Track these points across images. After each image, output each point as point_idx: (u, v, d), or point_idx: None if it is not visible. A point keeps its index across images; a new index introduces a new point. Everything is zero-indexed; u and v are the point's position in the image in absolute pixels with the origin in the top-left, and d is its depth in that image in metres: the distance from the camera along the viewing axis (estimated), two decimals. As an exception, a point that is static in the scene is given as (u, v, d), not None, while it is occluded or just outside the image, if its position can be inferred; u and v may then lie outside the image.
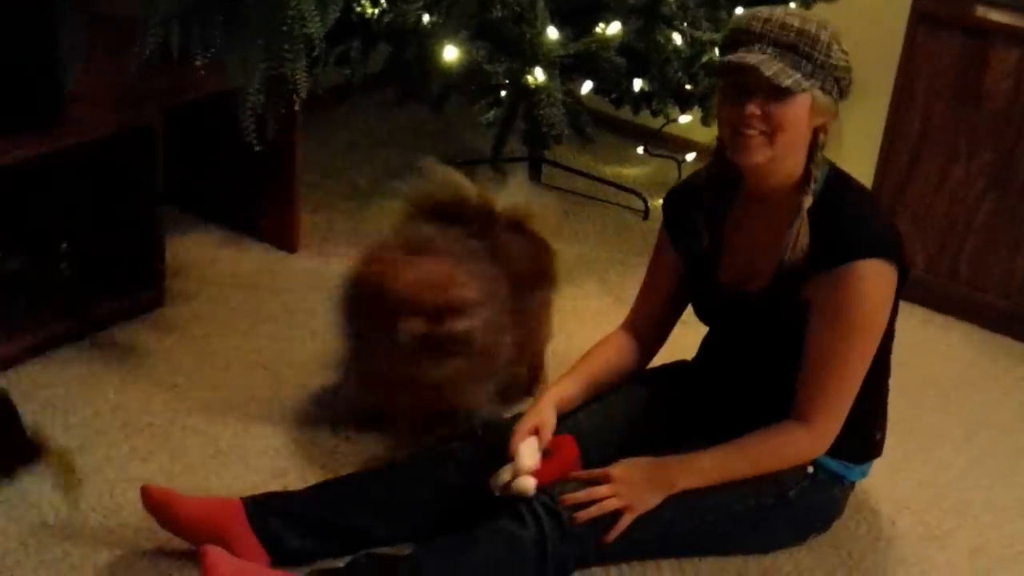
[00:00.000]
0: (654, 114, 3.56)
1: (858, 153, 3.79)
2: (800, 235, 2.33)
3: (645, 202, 4.01)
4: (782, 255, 2.37)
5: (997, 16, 3.32)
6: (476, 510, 2.43)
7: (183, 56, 2.78)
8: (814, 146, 2.34)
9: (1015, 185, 3.34)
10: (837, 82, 2.31)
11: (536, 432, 2.45)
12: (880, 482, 2.77)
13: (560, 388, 2.57)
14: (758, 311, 2.45)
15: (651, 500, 2.39)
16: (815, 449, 2.44)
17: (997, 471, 2.93)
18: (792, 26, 2.27)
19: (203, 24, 2.79)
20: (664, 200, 2.68)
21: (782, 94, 2.26)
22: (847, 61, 2.31)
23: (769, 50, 2.27)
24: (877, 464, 2.64)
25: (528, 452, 2.41)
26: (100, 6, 2.84)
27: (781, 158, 2.34)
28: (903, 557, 2.63)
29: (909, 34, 3.41)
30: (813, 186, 2.35)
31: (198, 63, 2.77)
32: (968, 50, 3.33)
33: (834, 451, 2.49)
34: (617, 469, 2.40)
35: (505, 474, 2.40)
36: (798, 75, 2.26)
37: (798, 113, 2.29)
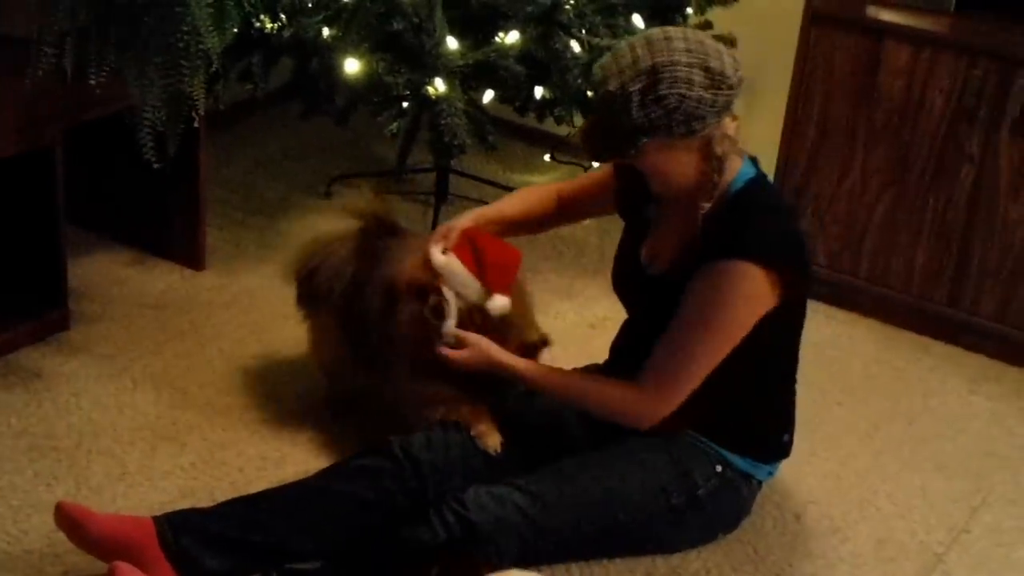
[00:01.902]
0: (557, 121, 3.58)
1: (759, 153, 3.84)
2: (688, 242, 2.44)
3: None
4: (682, 249, 2.45)
5: (888, 16, 3.39)
6: (390, 523, 2.44)
7: (79, 75, 2.76)
8: (708, 157, 2.37)
9: (911, 181, 3.41)
10: (670, 118, 2.30)
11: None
12: (786, 477, 2.82)
13: (488, 209, 2.71)
14: (658, 292, 2.51)
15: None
16: (640, 414, 2.46)
17: (901, 462, 2.99)
18: (607, 87, 2.32)
19: (98, 42, 2.77)
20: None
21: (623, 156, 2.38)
22: (674, 97, 2.28)
23: (598, 115, 2.39)
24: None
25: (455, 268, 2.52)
26: (-3, 27, 2.82)
27: (668, 184, 2.43)
28: (809, 550, 2.67)
29: (804, 35, 3.46)
30: (716, 192, 2.40)
31: (93, 82, 2.74)
32: (862, 50, 3.39)
33: (744, 449, 2.53)
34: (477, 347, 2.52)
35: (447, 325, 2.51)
36: (608, 143, 2.37)
37: (650, 160, 2.37)
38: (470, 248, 2.56)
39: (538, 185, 2.83)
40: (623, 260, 2.68)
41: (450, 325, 2.52)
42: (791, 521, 2.74)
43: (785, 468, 2.74)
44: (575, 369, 2.67)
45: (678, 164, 2.38)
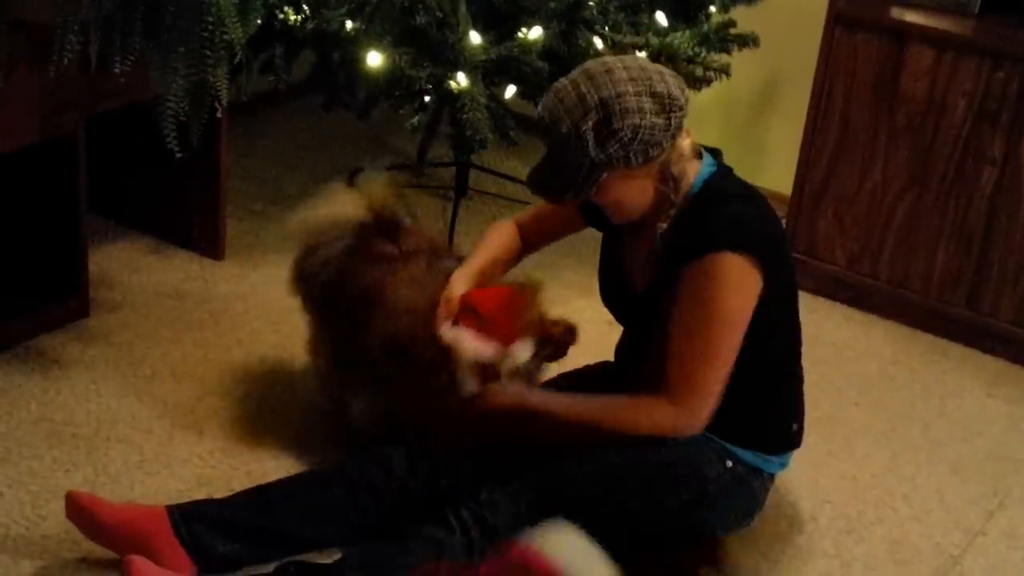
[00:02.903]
0: (578, 117, 3.58)
1: (781, 153, 3.85)
2: (656, 257, 2.43)
3: (572, 205, 4.03)
4: (652, 262, 2.46)
5: (912, 17, 3.38)
6: (405, 515, 2.45)
7: (103, 63, 2.77)
8: (665, 179, 2.37)
9: (932, 183, 3.40)
10: (627, 149, 2.29)
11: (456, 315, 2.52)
12: (802, 477, 2.82)
13: (468, 265, 2.63)
14: (642, 308, 2.52)
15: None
16: (678, 425, 2.42)
17: (918, 464, 2.99)
18: (560, 129, 2.30)
19: (123, 31, 2.78)
20: None
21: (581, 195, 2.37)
22: (628, 128, 2.27)
23: (549, 158, 2.39)
24: (799, 459, 2.67)
25: (465, 340, 2.47)
26: (19, 13, 2.82)
27: (626, 213, 2.42)
28: (824, 550, 2.67)
29: (827, 36, 3.46)
30: (673, 208, 2.39)
31: (117, 71, 2.75)
32: (885, 51, 3.39)
33: (750, 442, 2.52)
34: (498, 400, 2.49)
35: (468, 382, 2.47)
36: (564, 182, 2.35)
37: (610, 194, 2.37)
38: (472, 315, 2.52)
39: (496, 225, 2.78)
40: (606, 276, 2.66)
41: (470, 388, 2.50)
42: (807, 521, 2.74)
43: (801, 468, 2.74)
44: (596, 397, 2.54)
45: (637, 192, 2.38)
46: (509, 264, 2.76)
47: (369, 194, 2.85)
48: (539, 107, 2.39)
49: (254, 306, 3.34)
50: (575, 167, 2.32)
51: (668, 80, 2.31)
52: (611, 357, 2.79)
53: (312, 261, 2.79)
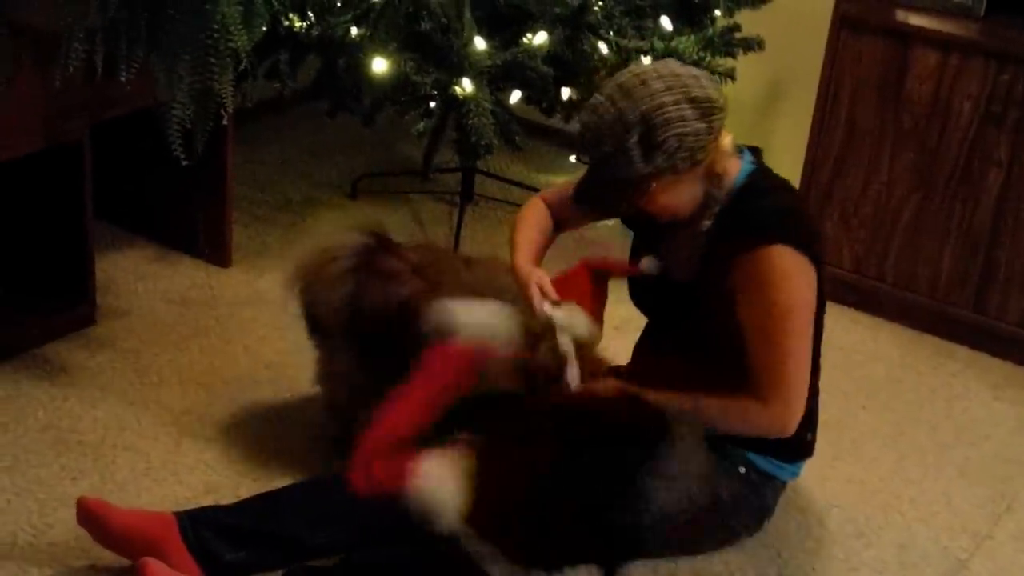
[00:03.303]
0: (583, 123, 3.58)
1: (786, 156, 3.84)
2: (701, 250, 2.44)
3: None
4: (697, 254, 2.45)
5: (916, 19, 3.38)
6: (411, 519, 2.45)
7: (108, 71, 2.77)
8: (710, 178, 2.38)
9: (938, 186, 3.40)
10: (674, 159, 2.29)
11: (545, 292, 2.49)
12: (810, 480, 2.81)
13: (525, 249, 2.61)
14: (679, 299, 2.51)
15: None
16: (774, 424, 2.42)
17: (925, 468, 2.98)
18: (602, 147, 2.30)
19: (128, 38, 2.78)
20: None
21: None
22: (673, 139, 2.27)
23: (593, 170, 2.38)
24: (807, 462, 2.67)
25: (570, 316, 2.45)
26: (24, 19, 2.82)
27: (674, 213, 2.43)
28: (832, 554, 2.66)
29: (832, 38, 3.46)
30: (715, 207, 2.41)
31: (123, 78, 2.76)
32: (890, 53, 3.39)
33: (765, 449, 2.52)
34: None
35: (572, 374, 2.43)
36: (614, 196, 2.38)
37: (658, 200, 2.37)
38: (576, 289, 2.54)
39: (531, 208, 2.73)
40: (641, 278, 2.65)
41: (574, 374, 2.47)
42: (815, 525, 2.74)
43: (809, 472, 2.73)
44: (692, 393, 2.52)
45: (685, 195, 2.39)
46: (547, 248, 2.75)
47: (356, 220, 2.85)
48: (579, 125, 2.38)
49: (261, 313, 3.34)
50: (624, 182, 2.33)
51: (704, 83, 2.32)
52: (616, 363, 2.79)
53: (320, 289, 2.73)
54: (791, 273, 2.34)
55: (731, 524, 2.59)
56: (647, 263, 2.54)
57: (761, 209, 2.39)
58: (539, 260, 2.66)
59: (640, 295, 2.67)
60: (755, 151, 2.51)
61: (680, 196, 2.39)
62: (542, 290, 2.49)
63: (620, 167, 2.31)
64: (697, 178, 2.37)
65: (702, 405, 2.45)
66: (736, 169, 2.44)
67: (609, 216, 2.58)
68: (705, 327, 2.44)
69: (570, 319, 2.45)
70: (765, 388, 2.40)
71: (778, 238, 2.33)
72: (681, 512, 2.47)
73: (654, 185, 2.33)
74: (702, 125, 2.29)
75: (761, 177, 2.46)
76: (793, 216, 2.42)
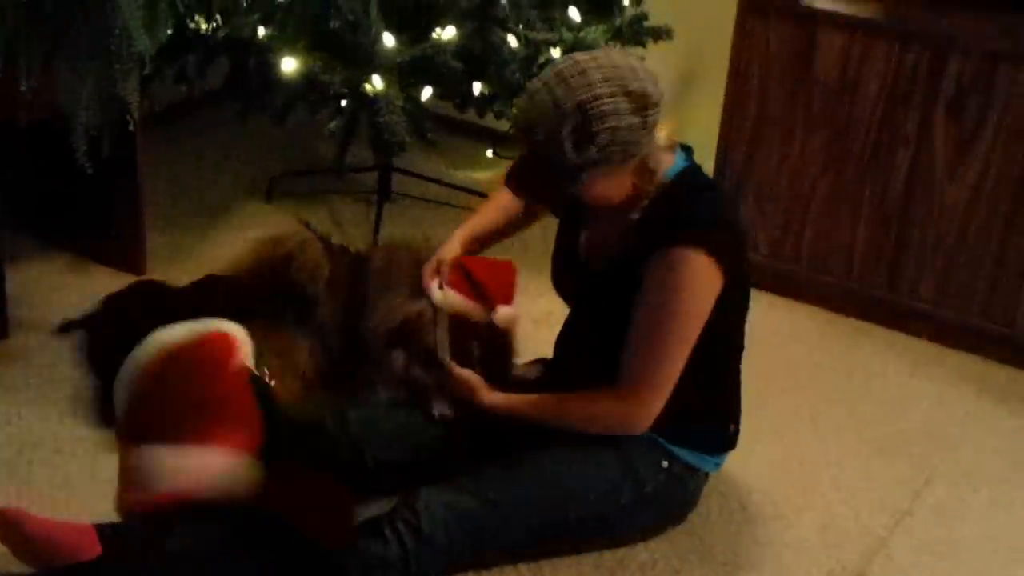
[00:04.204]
0: (497, 116, 3.58)
1: (701, 144, 3.85)
2: (628, 240, 2.45)
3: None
4: (619, 244, 2.47)
5: (821, 3, 3.40)
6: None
7: (9, 78, 2.73)
8: (643, 172, 2.38)
9: (849, 166, 3.44)
10: (606, 151, 2.28)
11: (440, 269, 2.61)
12: (731, 465, 2.82)
13: (468, 229, 2.71)
14: (599, 287, 2.53)
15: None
16: (629, 420, 2.46)
17: (844, 447, 3.01)
18: (535, 136, 2.29)
19: (28, 45, 2.74)
20: None
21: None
22: (606, 132, 2.26)
23: (526, 157, 2.38)
24: (729, 450, 2.69)
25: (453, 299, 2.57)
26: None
27: (604, 203, 2.42)
28: (755, 538, 2.68)
29: (739, 23, 3.48)
30: (644, 201, 2.41)
31: (24, 86, 2.71)
32: (797, 36, 3.41)
33: (689, 442, 2.54)
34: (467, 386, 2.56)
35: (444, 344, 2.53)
36: (546, 188, 2.40)
37: (591, 191, 2.37)
38: (463, 275, 2.60)
39: (500, 189, 2.80)
40: (561, 256, 2.68)
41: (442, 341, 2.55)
42: (736, 510, 2.76)
43: (730, 457, 2.75)
44: (554, 395, 2.58)
45: (617, 186, 2.38)
46: (508, 233, 2.79)
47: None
48: (514, 110, 2.40)
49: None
50: (556, 170, 2.32)
51: (642, 76, 2.29)
52: (539, 355, 2.80)
53: (310, 266, 2.75)
54: (694, 280, 2.35)
55: (658, 517, 2.62)
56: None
57: (688, 209, 2.39)
58: (486, 240, 2.74)
59: (560, 282, 2.68)
60: (687, 149, 2.52)
61: (612, 188, 2.38)
62: (438, 270, 2.58)
63: (552, 156, 2.29)
64: (628, 172, 2.36)
65: (565, 406, 2.50)
66: (669, 163, 2.44)
67: (541, 202, 2.58)
68: (618, 316, 2.46)
69: (448, 302, 2.56)
70: (629, 383, 2.43)
71: (695, 242, 2.34)
72: (606, 506, 2.49)
73: (585, 176, 2.32)
74: (636, 120, 2.27)
75: (693, 176, 2.47)
76: (719, 223, 2.42)
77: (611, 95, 2.25)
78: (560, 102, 2.25)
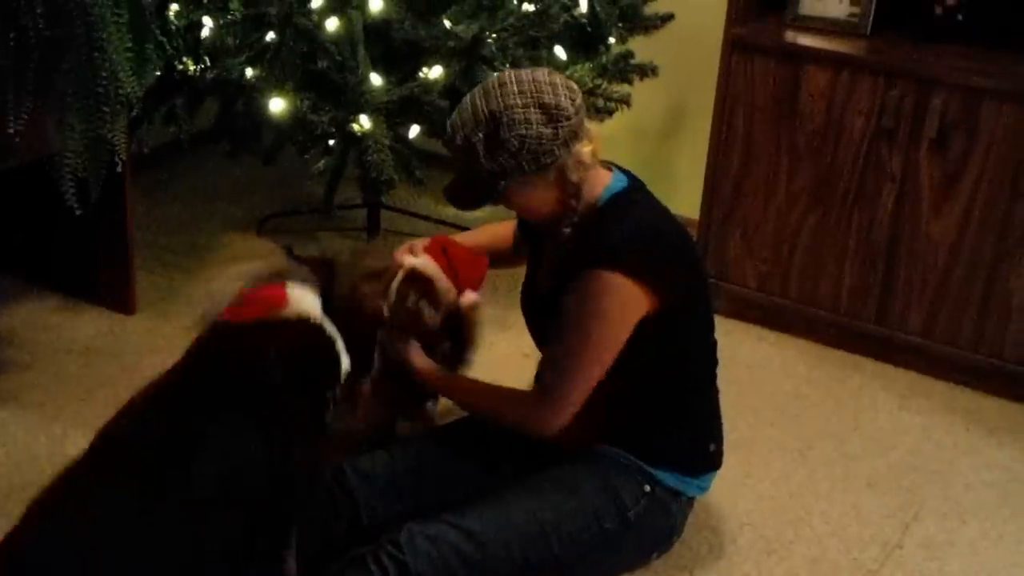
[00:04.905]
0: (485, 154, 3.59)
1: (687, 180, 3.89)
2: (558, 263, 2.52)
3: (485, 240, 4.04)
4: (555, 268, 2.54)
5: (806, 40, 3.44)
6: (327, 558, 2.45)
7: (-3, 122, 2.75)
8: (564, 185, 2.43)
9: (835, 202, 3.46)
10: (517, 158, 2.35)
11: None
12: (720, 499, 2.84)
13: (462, 237, 2.87)
14: (541, 311, 2.60)
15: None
16: (534, 424, 2.50)
17: (834, 481, 3.02)
18: (455, 141, 2.41)
19: (16, 89, 2.75)
20: None
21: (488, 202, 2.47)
22: (515, 139, 2.33)
23: (459, 178, 2.49)
24: (717, 481, 2.68)
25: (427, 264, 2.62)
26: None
27: (535, 214, 2.51)
28: (745, 572, 2.68)
29: (725, 61, 3.51)
30: (575, 215, 2.46)
31: (11, 130, 2.73)
32: (782, 74, 3.44)
33: (668, 463, 2.56)
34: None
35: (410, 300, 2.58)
36: (471, 193, 2.45)
37: (514, 199, 2.45)
38: (441, 251, 2.67)
39: (500, 223, 2.92)
40: (524, 288, 2.75)
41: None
42: (727, 544, 2.76)
43: (719, 490, 2.76)
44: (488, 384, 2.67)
45: (539, 197, 2.44)
46: (495, 259, 2.84)
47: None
48: (448, 140, 2.48)
49: (167, 359, 3.23)
50: (476, 177, 2.41)
51: (559, 91, 2.37)
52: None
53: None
54: (607, 301, 2.40)
55: (640, 542, 2.60)
56: None
57: (612, 231, 2.44)
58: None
59: (523, 312, 2.75)
60: (626, 172, 2.57)
61: (533, 198, 2.45)
62: (411, 248, 2.69)
63: (469, 162, 2.39)
64: (550, 184, 2.43)
65: (484, 395, 2.61)
66: (603, 185, 2.49)
67: (468, 209, 2.63)
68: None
69: (424, 268, 2.61)
70: (542, 392, 2.52)
71: (610, 264, 2.38)
72: (590, 535, 2.49)
73: (503, 183, 2.39)
74: (547, 130, 2.35)
75: (628, 197, 2.50)
76: (639, 242, 2.44)
77: (524, 106, 2.34)
78: (477, 110, 2.37)
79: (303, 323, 2.34)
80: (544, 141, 2.34)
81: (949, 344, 3.42)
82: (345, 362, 2.41)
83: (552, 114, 2.34)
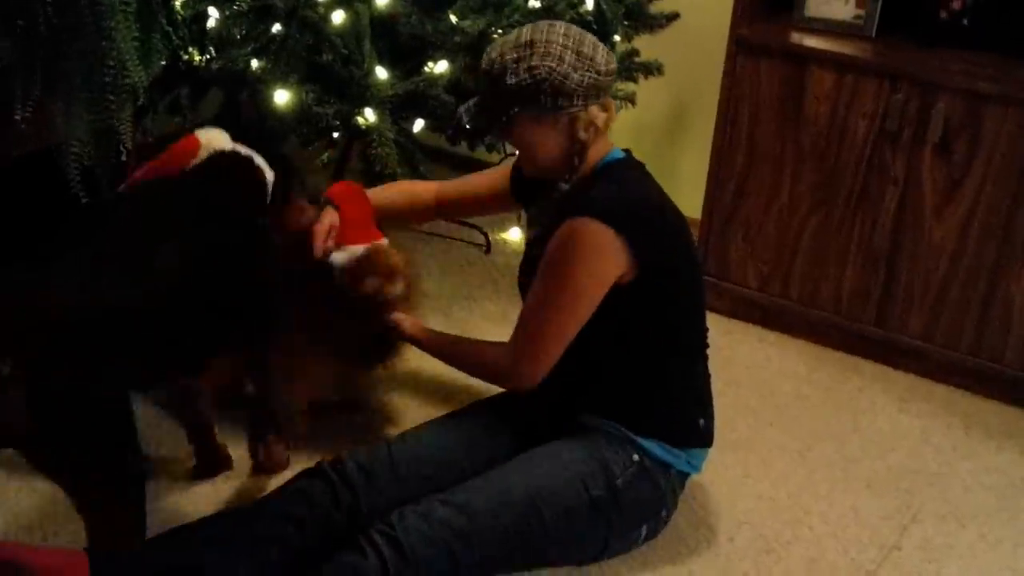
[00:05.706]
0: (488, 149, 3.61)
1: (690, 179, 3.89)
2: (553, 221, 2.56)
3: (486, 236, 4.05)
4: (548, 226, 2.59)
5: (811, 41, 3.44)
6: (329, 547, 2.45)
7: (3, 111, 2.74)
8: (571, 138, 2.52)
9: (838, 204, 3.46)
10: (538, 88, 2.45)
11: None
12: (719, 498, 2.84)
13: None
14: (530, 268, 2.64)
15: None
16: (508, 373, 2.60)
17: (833, 482, 3.02)
18: (490, 65, 2.50)
19: (23, 79, 2.75)
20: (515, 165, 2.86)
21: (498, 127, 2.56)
22: (543, 68, 2.44)
23: (479, 98, 2.57)
24: (715, 481, 2.69)
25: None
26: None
27: (534, 160, 2.57)
28: (743, 571, 2.69)
29: (729, 62, 3.51)
30: (576, 173, 2.56)
31: (18, 118, 2.73)
32: (787, 75, 3.44)
33: (655, 432, 2.60)
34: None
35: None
36: (486, 114, 2.54)
37: (520, 132, 2.53)
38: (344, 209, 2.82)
39: (420, 181, 3.08)
40: (523, 257, 2.79)
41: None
42: (724, 543, 2.76)
43: (718, 490, 2.76)
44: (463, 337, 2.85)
45: (544, 140, 2.52)
46: (405, 213, 3.02)
47: None
48: (480, 71, 2.57)
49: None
50: (493, 96, 2.50)
51: (599, 50, 2.50)
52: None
53: None
54: (583, 250, 2.46)
55: (632, 515, 2.61)
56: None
57: (599, 189, 2.52)
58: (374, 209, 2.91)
59: (519, 283, 2.80)
60: (627, 152, 2.64)
61: (538, 138, 2.53)
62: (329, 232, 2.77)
63: (494, 78, 2.49)
64: (559, 131, 2.51)
65: (460, 346, 2.76)
66: (604, 152, 2.58)
67: (478, 127, 2.74)
68: None
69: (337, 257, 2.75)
70: (516, 343, 2.58)
71: (591, 213, 2.46)
72: (579, 502, 2.50)
73: (517, 109, 2.47)
74: (575, 75, 2.45)
75: (624, 164, 2.59)
76: (623, 199, 2.52)
77: (563, 46, 2.46)
78: (520, 35, 2.50)
79: (219, 156, 2.63)
80: (568, 82, 2.44)
81: (949, 348, 3.43)
82: (269, 175, 2.66)
83: (585, 63, 2.46)
